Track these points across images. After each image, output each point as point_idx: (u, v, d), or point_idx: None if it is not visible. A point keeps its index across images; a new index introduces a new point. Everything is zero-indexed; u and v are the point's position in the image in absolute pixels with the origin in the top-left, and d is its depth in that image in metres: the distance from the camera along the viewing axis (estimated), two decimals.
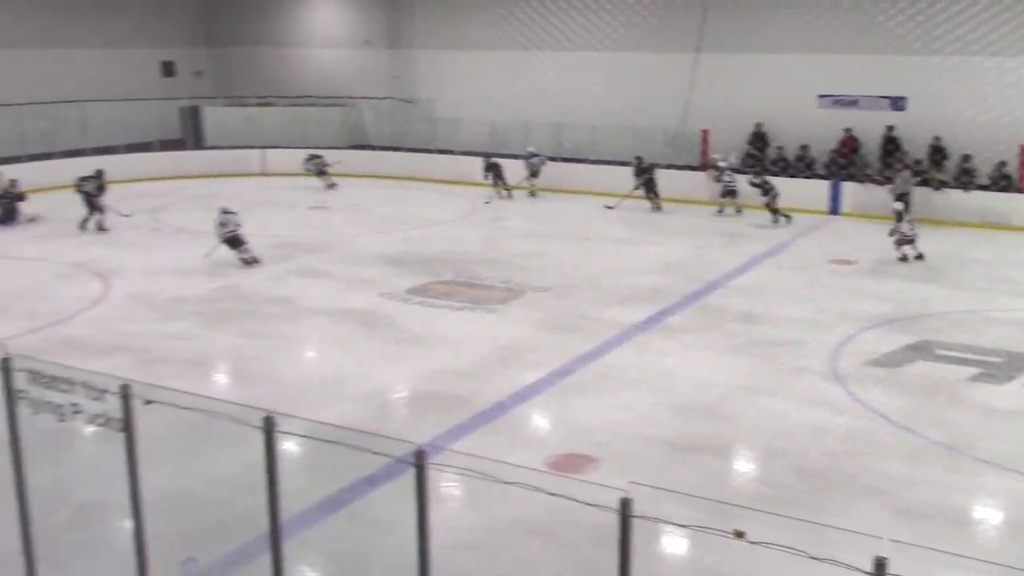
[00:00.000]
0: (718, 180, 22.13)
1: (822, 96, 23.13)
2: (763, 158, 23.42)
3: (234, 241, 16.48)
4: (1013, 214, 20.27)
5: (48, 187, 23.13)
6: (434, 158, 27.05)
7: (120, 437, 5.58)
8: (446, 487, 7.93)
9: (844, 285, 15.62)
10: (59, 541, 7.17)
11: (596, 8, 25.90)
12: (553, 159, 25.02)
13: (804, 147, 22.87)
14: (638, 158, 22.53)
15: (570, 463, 8.86)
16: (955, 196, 20.75)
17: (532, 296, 14.78)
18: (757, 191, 20.61)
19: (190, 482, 8.38)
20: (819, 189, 22.04)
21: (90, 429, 5.91)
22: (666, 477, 8.52)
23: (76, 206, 19.98)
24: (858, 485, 8.58)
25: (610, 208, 22.33)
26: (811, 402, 10.52)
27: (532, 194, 24.09)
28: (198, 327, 13.17)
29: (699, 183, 23.20)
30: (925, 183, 20.89)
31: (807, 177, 22.55)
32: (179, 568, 6.87)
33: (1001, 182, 20.73)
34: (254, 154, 27.99)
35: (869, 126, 22.34)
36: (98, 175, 19.73)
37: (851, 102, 22.87)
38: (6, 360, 5.87)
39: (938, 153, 21.55)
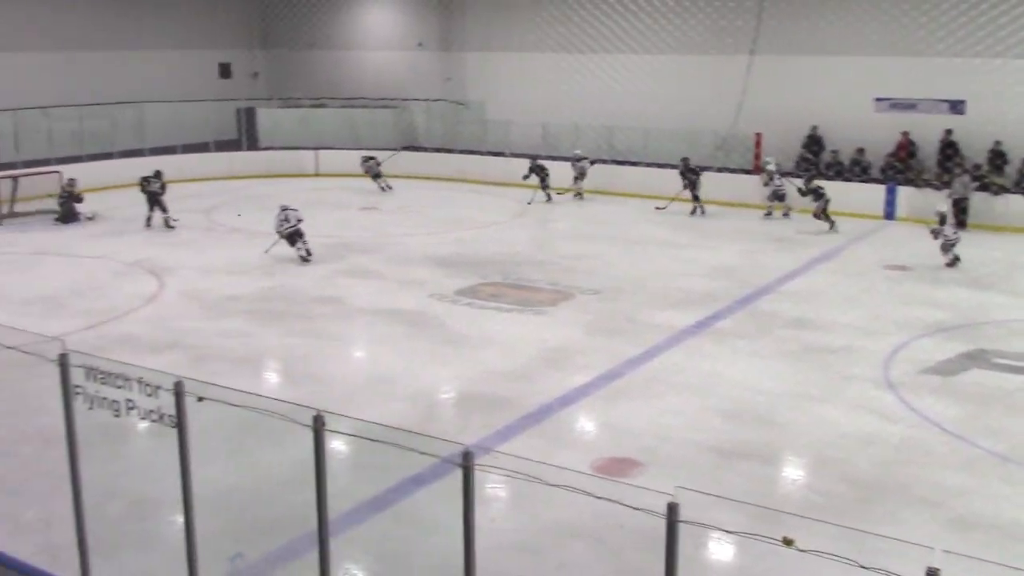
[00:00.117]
0: (766, 184, 21.94)
1: (879, 99, 22.79)
2: (817, 162, 23.14)
3: (294, 236, 16.78)
4: None
5: (107, 186, 23.63)
6: (484, 160, 27.11)
7: (172, 433, 5.66)
8: (492, 488, 7.93)
9: (899, 291, 15.37)
10: (112, 534, 7.30)
11: (650, 10, 25.76)
12: (604, 162, 24.95)
13: (860, 151, 22.55)
14: (684, 159, 22.40)
15: (617, 467, 8.82)
16: (1015, 201, 20.33)
17: (581, 299, 14.75)
18: (808, 198, 20.33)
19: (240, 478, 8.48)
20: (875, 194, 21.71)
21: (143, 425, 6.01)
22: (714, 483, 8.42)
23: (133, 205, 20.39)
24: (910, 494, 8.43)
25: (660, 209, 22.24)
26: (863, 410, 10.36)
27: (579, 196, 24.03)
28: (250, 325, 13.34)
29: (750, 186, 22.98)
30: (984, 188, 20.50)
31: (862, 181, 22.23)
32: (227, 564, 6.96)
33: None
34: (307, 155, 28.31)
35: (927, 130, 21.96)
36: (158, 175, 20.15)
37: (909, 105, 22.49)
38: (63, 356, 5.99)
39: (999, 158, 21.11)
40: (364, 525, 7.72)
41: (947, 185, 20.47)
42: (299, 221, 16.91)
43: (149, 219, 20.04)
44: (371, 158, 25.53)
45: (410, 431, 7.13)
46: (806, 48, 23.31)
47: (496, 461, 5.89)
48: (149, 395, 5.61)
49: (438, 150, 28.60)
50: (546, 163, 23.95)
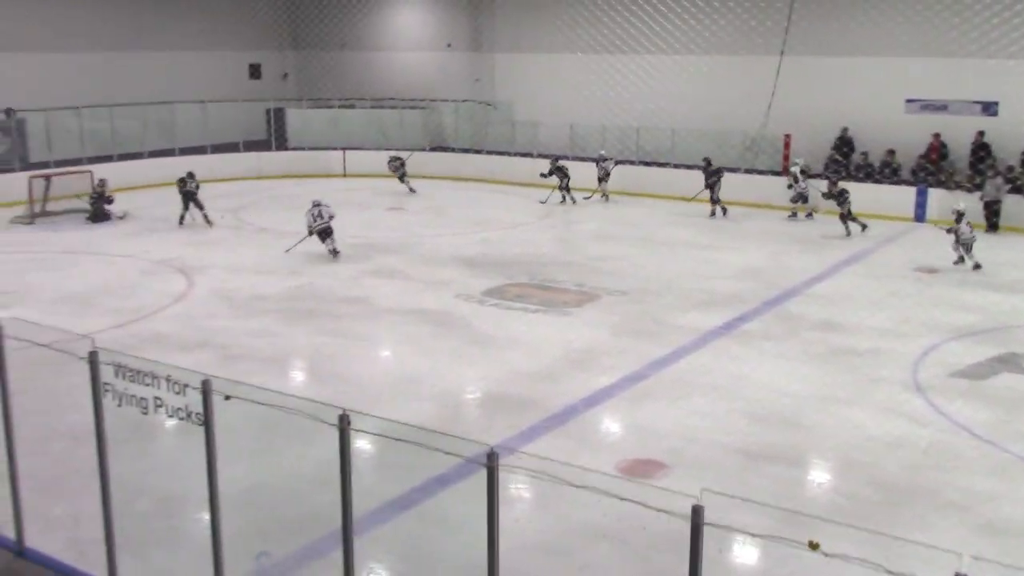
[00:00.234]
0: (790, 186, 21.82)
1: (910, 100, 22.59)
2: (847, 164, 22.97)
3: (325, 232, 16.97)
4: None
5: (136, 186, 23.86)
6: (512, 161, 27.15)
7: (200, 431, 5.71)
8: (516, 489, 7.94)
9: (928, 294, 15.22)
10: (139, 530, 7.36)
11: (679, 11, 25.62)
12: (632, 163, 24.86)
13: (890, 152, 22.35)
14: (707, 159, 22.28)
15: (642, 468, 8.80)
16: None
17: (607, 300, 14.72)
18: (833, 201, 20.13)
19: (265, 477, 8.53)
20: (905, 195, 21.52)
21: (171, 422, 6.07)
22: (740, 485, 8.38)
23: (162, 204, 20.58)
24: (938, 499, 8.34)
25: (687, 201, 22.30)
26: (891, 413, 10.26)
27: (605, 197, 23.96)
28: (277, 324, 13.42)
29: (775, 188, 22.83)
30: (1017, 191, 20.27)
31: (893, 183, 22.03)
32: (253, 561, 7.01)
33: None
34: (335, 155, 28.45)
35: (958, 131, 21.75)
36: (192, 176, 20.42)
37: (940, 107, 22.29)
38: (93, 353, 6.06)
39: None
40: (388, 524, 7.75)
41: (979, 187, 20.25)
42: (331, 218, 17.09)
43: (182, 217, 20.30)
44: (397, 158, 25.61)
45: (435, 431, 7.16)
46: (837, 49, 23.14)
47: (521, 462, 5.91)
48: (177, 393, 5.67)
49: (466, 151, 28.68)
50: (568, 165, 23.90)
